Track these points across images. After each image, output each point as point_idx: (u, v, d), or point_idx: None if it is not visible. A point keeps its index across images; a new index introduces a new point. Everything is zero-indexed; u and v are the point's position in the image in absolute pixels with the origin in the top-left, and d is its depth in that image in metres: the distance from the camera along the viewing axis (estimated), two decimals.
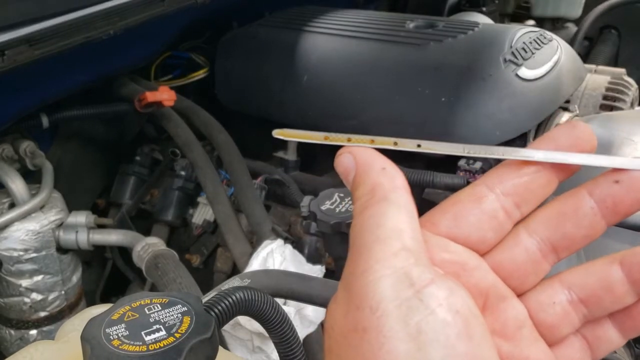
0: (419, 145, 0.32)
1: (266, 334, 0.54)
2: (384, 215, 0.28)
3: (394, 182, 0.29)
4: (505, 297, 0.31)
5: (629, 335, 0.31)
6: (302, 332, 0.86)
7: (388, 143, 0.32)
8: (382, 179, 0.29)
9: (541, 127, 1.10)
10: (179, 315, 0.40)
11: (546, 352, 0.31)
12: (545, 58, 1.08)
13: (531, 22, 1.98)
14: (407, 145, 0.32)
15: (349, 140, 0.32)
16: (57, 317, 0.99)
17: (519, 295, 0.32)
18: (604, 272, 0.30)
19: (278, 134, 0.34)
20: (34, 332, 0.98)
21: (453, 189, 1.02)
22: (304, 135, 0.33)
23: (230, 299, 0.45)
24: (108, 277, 1.31)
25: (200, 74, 1.33)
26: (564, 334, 0.31)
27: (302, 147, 1.23)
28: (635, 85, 1.26)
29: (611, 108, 1.21)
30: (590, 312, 0.30)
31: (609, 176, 0.30)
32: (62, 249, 0.97)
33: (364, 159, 0.30)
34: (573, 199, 0.31)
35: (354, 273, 0.27)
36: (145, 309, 0.40)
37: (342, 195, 0.85)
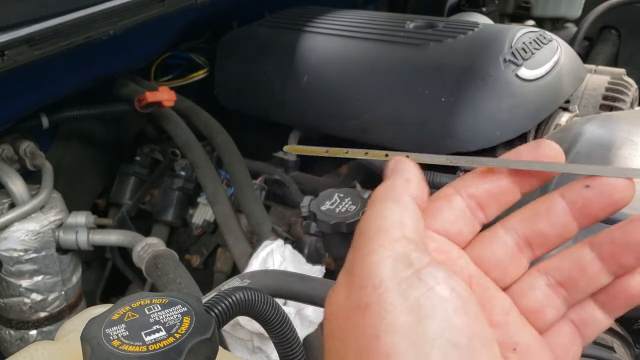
0: (407, 157, 0.35)
1: (266, 334, 0.54)
2: (389, 210, 0.30)
3: (409, 190, 0.31)
4: (488, 287, 0.33)
5: (613, 314, 0.33)
6: (302, 332, 0.86)
7: (380, 155, 0.35)
8: (400, 185, 0.31)
9: (541, 128, 1.10)
10: (179, 315, 0.40)
11: (536, 337, 0.32)
12: (545, 58, 1.09)
13: (531, 22, 1.98)
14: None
15: (346, 152, 0.36)
16: (57, 317, 0.99)
17: (501, 288, 0.33)
18: (575, 255, 0.32)
19: (288, 149, 0.38)
20: (34, 332, 0.98)
21: None
22: (310, 150, 0.37)
23: (230, 300, 0.45)
24: (108, 277, 1.31)
25: (200, 74, 1.34)
26: (550, 318, 0.32)
27: None
28: (635, 86, 1.25)
29: (611, 108, 1.21)
30: (570, 294, 0.32)
31: (581, 181, 0.32)
32: (62, 250, 0.97)
33: (399, 167, 0.33)
34: (547, 200, 0.33)
35: (356, 258, 0.29)
36: (145, 309, 0.40)
37: (342, 195, 0.85)
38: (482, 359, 0.26)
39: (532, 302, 0.32)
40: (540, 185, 0.33)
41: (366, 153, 0.35)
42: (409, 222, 0.30)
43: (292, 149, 0.37)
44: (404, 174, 0.32)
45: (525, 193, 0.34)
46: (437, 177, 0.99)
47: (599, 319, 0.33)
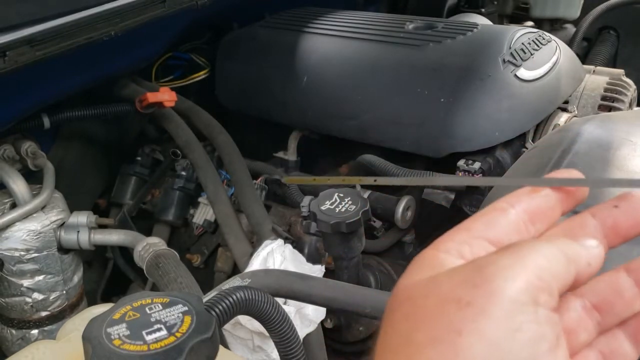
0: (374, 180, 0.35)
1: (266, 333, 0.55)
2: (555, 257, 0.30)
3: (581, 265, 0.31)
4: None
5: None
6: (302, 331, 0.86)
7: (355, 181, 0.35)
8: (582, 252, 0.31)
9: (540, 128, 1.10)
10: (180, 314, 0.40)
11: None
12: (544, 59, 1.09)
13: (530, 23, 1.98)
14: (366, 181, 0.36)
15: (328, 180, 0.36)
16: (59, 316, 0.99)
17: None
18: (612, 279, 0.32)
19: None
20: (35, 331, 0.99)
21: (452, 189, 1.02)
22: (300, 180, 0.38)
23: (230, 299, 0.46)
24: (109, 276, 1.31)
25: (201, 75, 1.34)
26: (581, 341, 0.32)
27: (302, 147, 1.23)
28: (634, 86, 1.26)
29: (610, 108, 1.21)
30: (604, 318, 0.32)
31: (609, 202, 0.33)
32: (63, 249, 0.98)
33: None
34: (579, 218, 0.34)
35: (495, 263, 0.29)
36: (147, 309, 0.41)
37: (341, 195, 0.85)
38: None
39: (566, 324, 0.32)
40: (578, 204, 0.34)
41: (343, 180, 0.36)
42: (562, 275, 0.30)
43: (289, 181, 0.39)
44: (588, 249, 0.31)
45: (566, 212, 0.34)
46: (436, 177, 0.99)
47: (627, 351, 0.33)
